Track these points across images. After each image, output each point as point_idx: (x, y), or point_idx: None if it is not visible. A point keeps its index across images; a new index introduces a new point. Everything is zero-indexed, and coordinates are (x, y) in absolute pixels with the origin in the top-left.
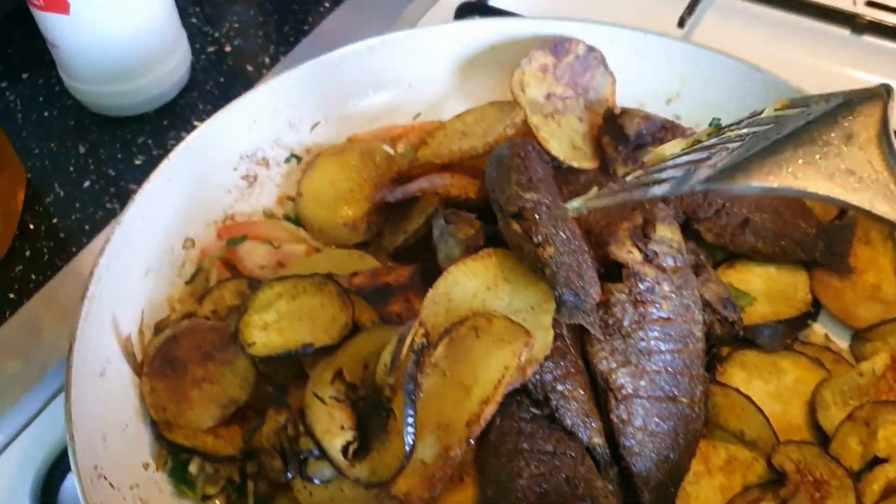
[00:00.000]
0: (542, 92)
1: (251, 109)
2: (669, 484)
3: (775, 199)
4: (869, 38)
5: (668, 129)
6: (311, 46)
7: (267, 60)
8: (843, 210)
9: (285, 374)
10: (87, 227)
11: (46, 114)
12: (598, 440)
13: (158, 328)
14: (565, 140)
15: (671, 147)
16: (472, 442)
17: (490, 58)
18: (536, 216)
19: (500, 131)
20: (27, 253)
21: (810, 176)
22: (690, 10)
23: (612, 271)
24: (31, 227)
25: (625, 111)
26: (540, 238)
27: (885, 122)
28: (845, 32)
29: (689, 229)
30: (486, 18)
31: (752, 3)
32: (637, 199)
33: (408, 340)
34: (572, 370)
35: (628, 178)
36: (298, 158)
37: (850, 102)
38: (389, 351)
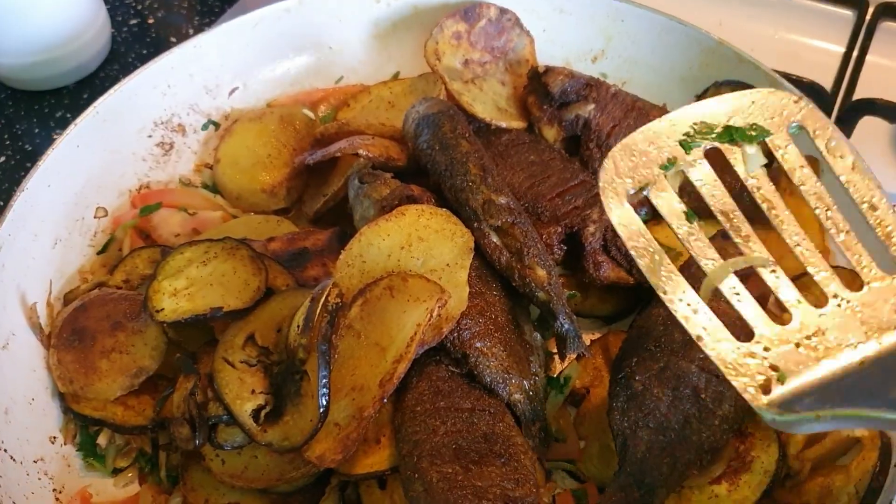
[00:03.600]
0: (458, 59)
1: (164, 74)
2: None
3: None
4: (800, 0)
5: (592, 87)
6: (237, 16)
7: (191, 31)
8: (768, 163)
9: (197, 341)
10: (1, 204)
11: None
12: (518, 396)
13: (68, 299)
14: (489, 103)
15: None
16: (386, 401)
17: (413, 19)
18: (523, 235)
19: None
20: None
21: None
22: None
23: None
24: None
25: (549, 69)
26: (529, 259)
27: None
28: None
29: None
30: None
31: None
32: None
33: (321, 300)
34: (491, 327)
35: None
36: (216, 125)
37: None
38: (303, 312)
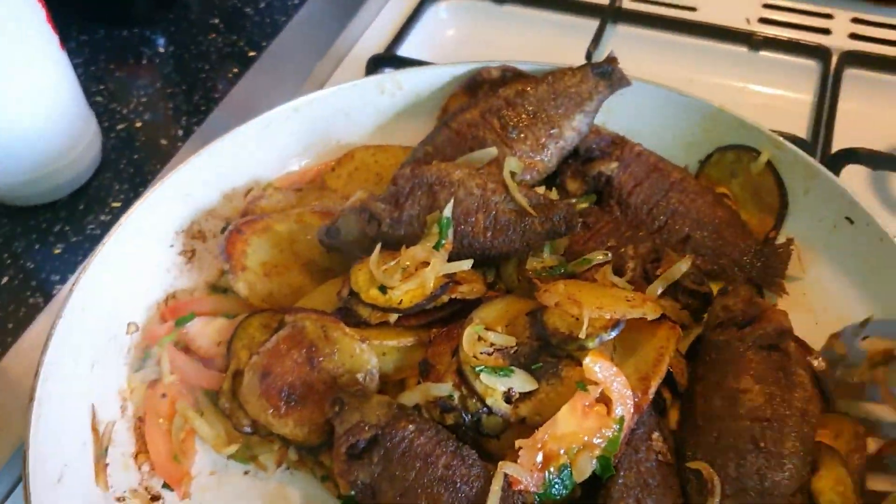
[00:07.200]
0: None
1: (182, 184)
2: None
3: (717, 217)
4: (765, 53)
5: (617, 145)
6: (225, 114)
7: (180, 132)
8: (776, 229)
9: None
10: (10, 326)
11: None
12: None
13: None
14: None
15: None
16: None
17: (416, 107)
18: None
19: None
20: None
21: None
22: (596, 42)
23: None
24: None
25: None
26: None
27: None
28: (743, 49)
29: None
30: (408, 68)
31: (653, 31)
32: None
33: None
34: None
35: None
36: (234, 228)
37: None
38: None
